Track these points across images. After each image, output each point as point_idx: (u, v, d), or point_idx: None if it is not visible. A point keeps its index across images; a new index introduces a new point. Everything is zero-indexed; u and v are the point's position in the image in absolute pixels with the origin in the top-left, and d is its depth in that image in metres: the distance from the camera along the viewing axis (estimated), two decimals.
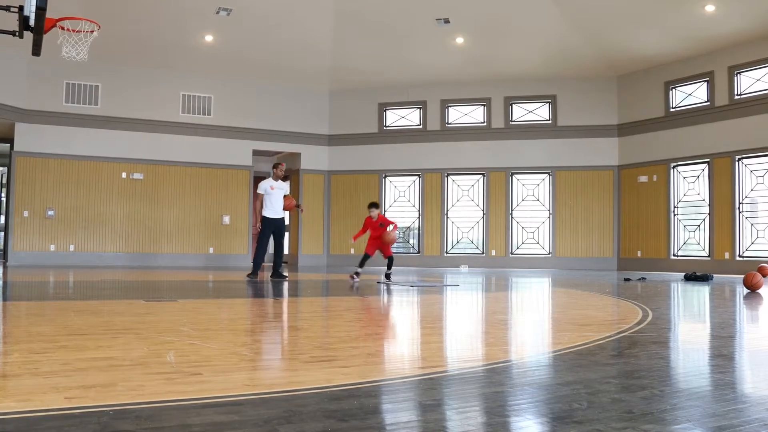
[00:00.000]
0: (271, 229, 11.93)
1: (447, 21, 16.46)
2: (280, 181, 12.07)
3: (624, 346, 4.38)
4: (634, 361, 3.80)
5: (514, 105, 19.73)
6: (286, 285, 10.80)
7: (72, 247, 17.78)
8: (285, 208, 12.01)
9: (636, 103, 18.58)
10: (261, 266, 12.04)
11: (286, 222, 21.56)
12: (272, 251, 12.28)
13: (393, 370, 3.64)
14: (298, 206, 12.66)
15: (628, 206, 18.74)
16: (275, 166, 12.18)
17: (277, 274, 11.97)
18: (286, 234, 21.38)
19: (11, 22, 7.68)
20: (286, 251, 21.55)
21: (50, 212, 17.53)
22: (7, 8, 7.29)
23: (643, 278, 13.83)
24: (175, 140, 18.76)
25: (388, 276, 11.57)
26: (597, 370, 3.50)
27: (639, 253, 18.32)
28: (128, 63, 18.12)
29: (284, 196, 12.05)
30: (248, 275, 11.85)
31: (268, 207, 11.91)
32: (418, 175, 20.16)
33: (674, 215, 17.80)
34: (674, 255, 17.69)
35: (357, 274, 11.46)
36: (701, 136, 16.97)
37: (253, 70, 18.91)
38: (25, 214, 17.42)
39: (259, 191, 12.04)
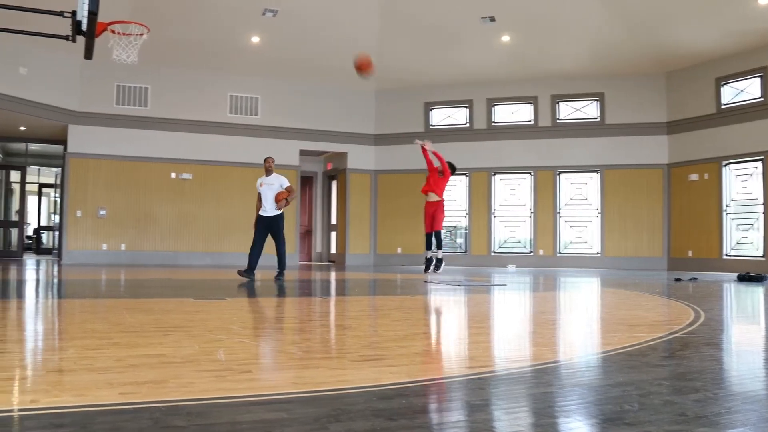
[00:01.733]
0: (261, 227, 11.44)
1: (492, 19, 16.37)
2: (274, 175, 11.58)
3: (676, 348, 4.31)
4: (687, 363, 3.73)
5: (560, 103, 19.58)
6: (332, 283, 10.85)
7: (123, 246, 18.09)
8: (276, 201, 11.35)
9: (686, 100, 18.28)
10: (254, 265, 11.35)
11: (324, 222, 21.78)
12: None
13: (441, 369, 3.64)
14: (286, 200, 11.47)
15: (678, 205, 18.43)
16: (265, 161, 11.78)
17: (277, 276, 11.33)
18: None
19: (65, 27, 7.80)
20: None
21: (102, 212, 17.85)
22: (60, 13, 7.49)
23: (695, 278, 13.59)
24: (223, 140, 18.96)
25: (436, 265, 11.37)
26: (648, 372, 3.45)
27: (690, 253, 18.02)
28: (176, 65, 18.36)
29: (285, 189, 11.41)
30: (239, 272, 11.38)
31: (262, 205, 11.53)
32: (465, 175, 20.11)
33: (726, 214, 17.43)
34: (726, 255, 17.37)
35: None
36: (754, 133, 16.61)
37: (299, 70, 19.01)
38: (78, 213, 17.77)
39: (257, 189, 11.68)
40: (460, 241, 20.29)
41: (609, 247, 19.05)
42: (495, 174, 19.94)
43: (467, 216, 20.10)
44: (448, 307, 7.41)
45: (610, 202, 19.01)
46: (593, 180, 19.41)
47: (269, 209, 11.39)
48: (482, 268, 18.68)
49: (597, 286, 11.26)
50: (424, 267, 11.86)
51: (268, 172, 11.55)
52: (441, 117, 20.58)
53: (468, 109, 20.26)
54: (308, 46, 17.63)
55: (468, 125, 20.21)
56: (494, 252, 19.87)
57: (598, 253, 19.18)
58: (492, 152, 19.92)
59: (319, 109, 20.02)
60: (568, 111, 19.59)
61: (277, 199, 11.29)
